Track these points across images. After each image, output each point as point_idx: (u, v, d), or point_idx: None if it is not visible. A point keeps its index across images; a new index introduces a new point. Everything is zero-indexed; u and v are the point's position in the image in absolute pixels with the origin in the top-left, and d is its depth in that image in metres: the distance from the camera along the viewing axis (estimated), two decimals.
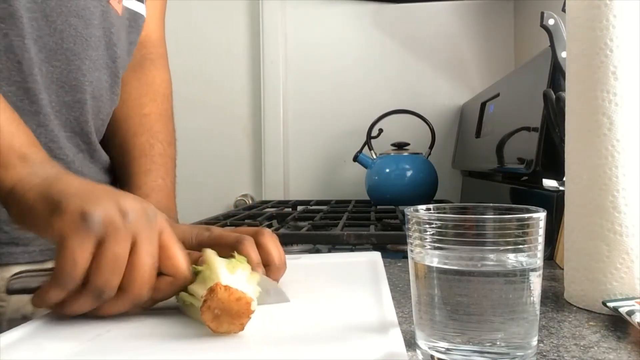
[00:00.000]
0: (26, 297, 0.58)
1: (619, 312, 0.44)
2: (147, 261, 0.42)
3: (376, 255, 0.67)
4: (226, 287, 0.40)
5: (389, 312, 0.45)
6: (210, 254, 0.47)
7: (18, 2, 0.55)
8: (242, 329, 0.41)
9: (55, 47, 0.58)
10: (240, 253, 0.51)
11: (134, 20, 0.71)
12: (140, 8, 0.71)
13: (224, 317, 0.40)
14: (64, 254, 0.40)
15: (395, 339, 0.39)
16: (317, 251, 0.88)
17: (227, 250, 0.52)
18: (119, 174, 0.72)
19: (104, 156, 0.71)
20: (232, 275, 0.44)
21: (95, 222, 0.40)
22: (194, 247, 0.54)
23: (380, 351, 0.37)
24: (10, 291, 0.47)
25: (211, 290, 0.40)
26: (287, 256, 0.63)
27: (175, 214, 0.70)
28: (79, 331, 0.44)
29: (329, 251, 0.89)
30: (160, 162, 0.70)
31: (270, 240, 0.55)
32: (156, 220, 0.44)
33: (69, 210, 0.41)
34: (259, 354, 0.39)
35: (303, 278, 0.61)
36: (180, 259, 0.45)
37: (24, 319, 0.60)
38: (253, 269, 0.51)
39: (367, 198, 1.43)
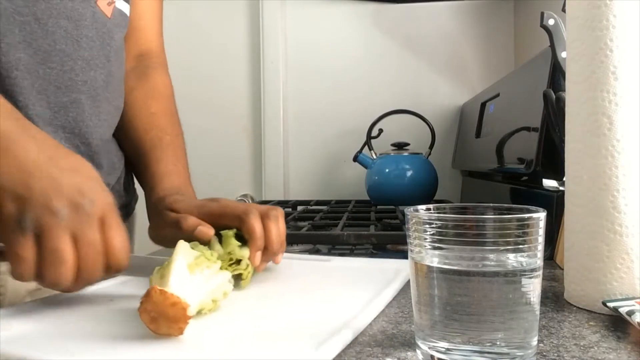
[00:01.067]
0: (23, 292, 0.62)
1: (619, 312, 0.44)
2: (90, 250, 0.46)
3: (403, 264, 0.64)
4: (161, 291, 0.40)
5: (367, 315, 0.45)
6: (180, 246, 0.47)
7: (4, 5, 0.56)
8: (182, 332, 0.41)
9: (49, 48, 0.60)
10: (245, 224, 0.56)
11: (124, 19, 0.74)
12: (126, 8, 0.74)
13: (161, 320, 0.41)
14: (9, 256, 0.45)
15: (332, 343, 0.38)
16: (317, 251, 0.88)
17: (234, 220, 0.57)
18: (135, 167, 0.77)
19: (104, 158, 0.72)
20: (191, 274, 0.45)
21: (28, 225, 0.44)
22: (203, 218, 0.59)
23: (304, 352, 0.37)
24: None
25: (147, 293, 0.41)
26: (314, 257, 0.72)
27: (191, 193, 0.73)
28: (57, 315, 0.48)
29: (329, 251, 0.89)
30: (170, 151, 0.75)
31: (274, 224, 0.59)
32: (93, 208, 0.47)
33: (4, 215, 0.45)
34: (178, 352, 0.39)
35: (306, 278, 0.61)
36: (118, 244, 0.48)
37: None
38: (254, 242, 0.55)
39: (367, 198, 1.43)
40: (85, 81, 0.65)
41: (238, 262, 0.56)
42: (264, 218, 0.58)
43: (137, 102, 0.77)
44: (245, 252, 0.56)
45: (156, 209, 0.66)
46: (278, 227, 0.59)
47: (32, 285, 0.62)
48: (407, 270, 0.62)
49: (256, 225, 0.56)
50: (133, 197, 0.83)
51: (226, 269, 0.53)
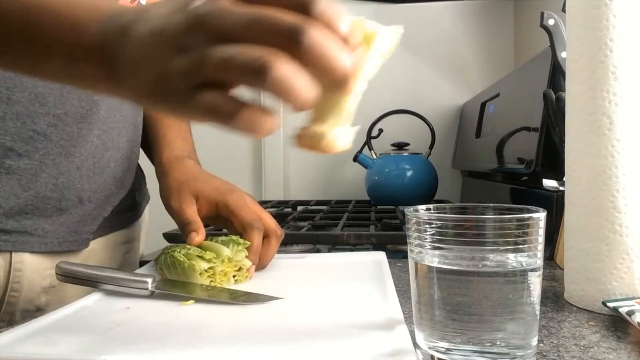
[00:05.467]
0: (38, 289, 0.62)
1: (619, 312, 0.44)
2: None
3: (381, 255, 0.67)
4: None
5: (395, 310, 0.46)
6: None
7: None
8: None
9: None
10: (248, 237, 0.61)
11: None
12: (144, 2, 0.75)
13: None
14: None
15: (402, 336, 0.39)
16: (317, 251, 0.88)
17: (239, 225, 0.63)
18: (148, 140, 0.81)
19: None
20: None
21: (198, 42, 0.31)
22: (217, 205, 0.65)
23: (387, 348, 0.37)
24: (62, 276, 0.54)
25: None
26: (290, 255, 0.73)
27: (197, 160, 0.80)
28: (90, 325, 0.45)
29: (329, 251, 0.89)
30: (176, 125, 0.80)
31: (275, 244, 0.64)
32: None
33: (176, 73, 0.32)
34: (268, 352, 0.39)
35: (309, 276, 0.62)
36: None
37: (37, 310, 0.61)
38: (250, 254, 0.60)
39: (367, 198, 1.43)
40: None
41: (239, 268, 0.60)
42: (270, 235, 0.64)
43: None
44: (246, 262, 0.60)
45: (171, 169, 0.72)
46: (276, 248, 0.65)
47: (47, 282, 0.62)
48: (384, 260, 0.64)
49: (256, 241, 0.61)
50: (144, 199, 0.83)
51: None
